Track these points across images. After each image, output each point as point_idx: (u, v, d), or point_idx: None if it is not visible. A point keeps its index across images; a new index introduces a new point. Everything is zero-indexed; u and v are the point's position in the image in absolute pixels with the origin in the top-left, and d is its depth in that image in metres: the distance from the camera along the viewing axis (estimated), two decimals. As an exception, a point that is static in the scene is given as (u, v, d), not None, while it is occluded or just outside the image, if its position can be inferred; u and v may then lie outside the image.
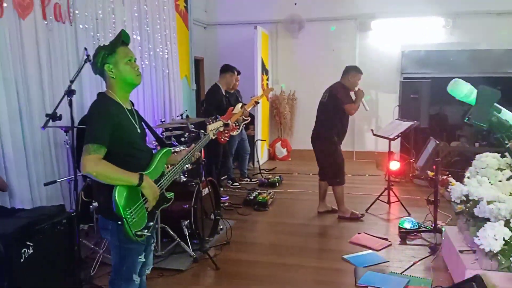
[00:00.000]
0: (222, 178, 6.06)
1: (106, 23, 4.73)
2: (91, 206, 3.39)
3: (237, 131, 5.81)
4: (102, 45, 2.15)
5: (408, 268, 3.39)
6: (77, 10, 4.29)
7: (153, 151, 2.27)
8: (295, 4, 7.90)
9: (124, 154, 2.04)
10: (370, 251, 3.77)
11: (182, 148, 3.86)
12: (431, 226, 4.00)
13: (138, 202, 2.03)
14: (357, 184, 6.08)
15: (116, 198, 1.93)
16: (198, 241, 3.70)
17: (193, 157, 2.48)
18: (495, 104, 1.86)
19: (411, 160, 6.38)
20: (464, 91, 1.99)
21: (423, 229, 4.10)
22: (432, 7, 7.16)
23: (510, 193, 3.01)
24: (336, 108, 4.55)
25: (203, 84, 8.15)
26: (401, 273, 3.31)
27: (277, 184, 6.10)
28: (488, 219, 2.75)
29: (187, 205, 3.65)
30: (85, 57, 2.86)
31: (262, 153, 7.66)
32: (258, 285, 3.23)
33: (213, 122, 2.67)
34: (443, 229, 3.60)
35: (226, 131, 5.52)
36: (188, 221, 3.63)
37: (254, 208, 5.03)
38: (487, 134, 6.21)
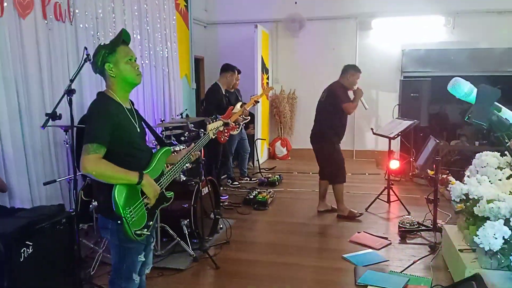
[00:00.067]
0: (222, 177, 6.06)
1: (106, 22, 4.73)
2: (90, 206, 3.39)
3: (237, 130, 5.81)
4: (102, 44, 2.14)
5: (408, 267, 3.38)
6: (77, 9, 4.29)
7: (153, 151, 2.27)
8: (296, 3, 7.90)
9: (124, 154, 2.03)
10: (370, 250, 3.77)
11: (181, 147, 3.85)
12: (431, 225, 4.01)
13: (137, 201, 2.03)
14: (357, 183, 6.07)
15: (116, 197, 1.93)
16: (197, 240, 3.70)
17: (193, 157, 2.48)
18: (495, 102, 1.85)
19: (411, 159, 6.38)
20: (464, 90, 1.98)
21: (423, 227, 4.10)
22: (432, 6, 7.16)
23: (510, 192, 3.01)
24: (334, 107, 4.54)
25: (203, 83, 8.14)
26: (401, 272, 3.30)
27: (277, 183, 6.10)
28: (488, 218, 2.75)
29: (187, 205, 3.65)
30: (85, 56, 2.85)
31: (262, 152, 7.66)
32: (258, 284, 3.23)
33: (213, 122, 2.67)
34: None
35: (226, 131, 5.52)
36: (188, 220, 3.63)
37: (254, 207, 5.02)
38: (487, 133, 6.20)
